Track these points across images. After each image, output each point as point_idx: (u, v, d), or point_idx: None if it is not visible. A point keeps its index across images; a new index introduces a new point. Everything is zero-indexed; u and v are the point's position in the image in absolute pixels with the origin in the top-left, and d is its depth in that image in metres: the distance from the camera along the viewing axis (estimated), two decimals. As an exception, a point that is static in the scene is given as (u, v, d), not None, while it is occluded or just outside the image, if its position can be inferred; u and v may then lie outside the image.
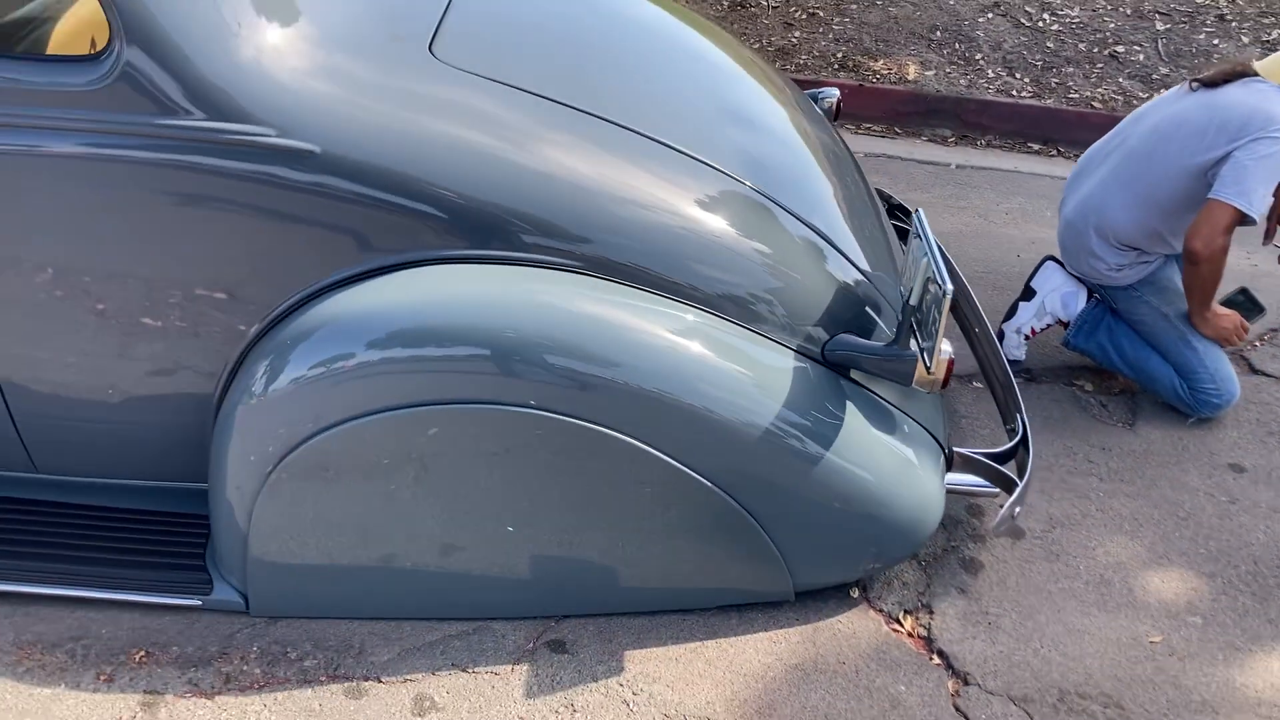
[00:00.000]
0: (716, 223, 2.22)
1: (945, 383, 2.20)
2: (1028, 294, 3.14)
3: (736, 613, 2.31)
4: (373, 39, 2.15)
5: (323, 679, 2.12)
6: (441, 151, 2.04)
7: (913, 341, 2.17)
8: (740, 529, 2.17)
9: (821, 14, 5.31)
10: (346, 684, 2.11)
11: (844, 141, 3.04)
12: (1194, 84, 2.85)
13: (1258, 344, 3.31)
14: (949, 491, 2.43)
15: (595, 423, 2.04)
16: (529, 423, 2.03)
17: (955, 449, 2.49)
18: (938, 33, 5.19)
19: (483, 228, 2.05)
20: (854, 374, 2.30)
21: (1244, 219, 2.66)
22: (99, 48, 1.91)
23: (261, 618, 2.24)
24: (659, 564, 2.22)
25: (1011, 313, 3.15)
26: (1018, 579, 2.44)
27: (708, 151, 2.29)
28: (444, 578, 2.20)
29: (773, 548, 2.21)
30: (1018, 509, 2.36)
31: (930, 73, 4.90)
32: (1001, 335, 3.15)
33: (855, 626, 2.30)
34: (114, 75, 1.91)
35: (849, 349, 2.24)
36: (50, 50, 2.19)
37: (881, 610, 2.35)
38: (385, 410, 2.01)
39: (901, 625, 2.32)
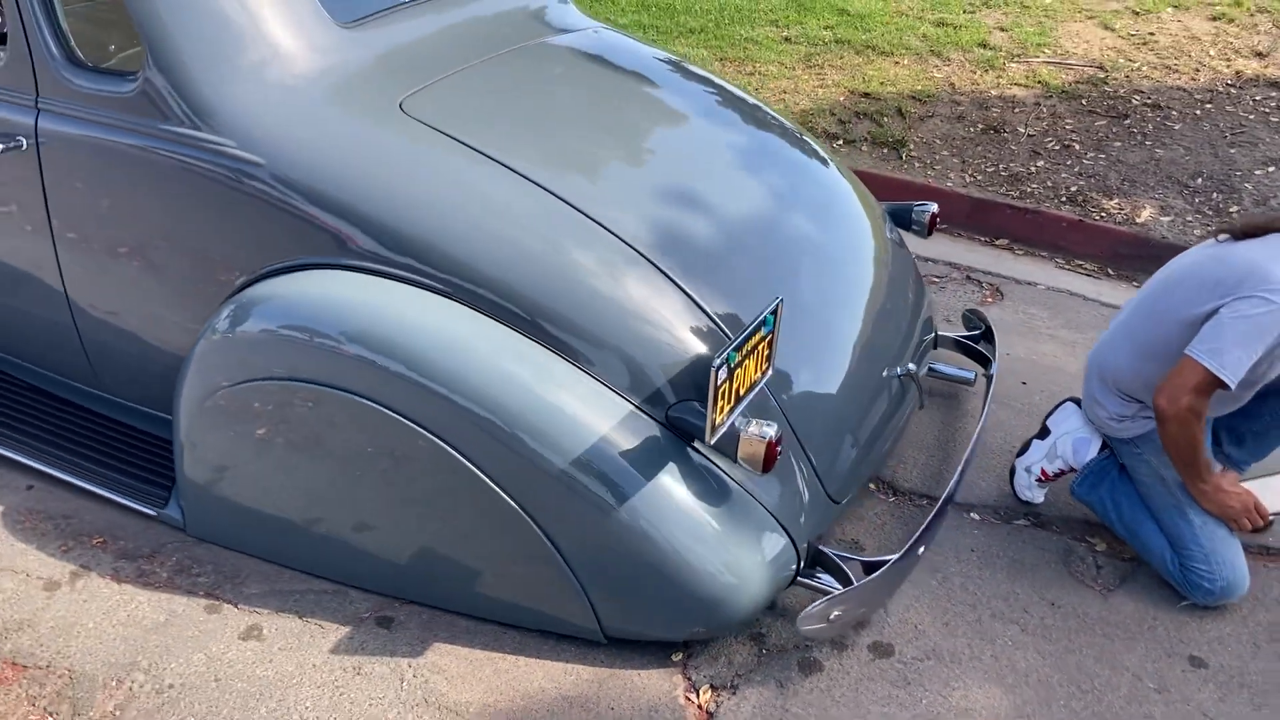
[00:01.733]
0: (590, 278, 2.43)
1: (766, 466, 2.27)
2: (1043, 433, 2.97)
3: (554, 640, 2.47)
4: (350, 86, 2.61)
5: (199, 594, 2.56)
6: (359, 181, 2.45)
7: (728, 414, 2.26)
8: (546, 560, 2.35)
9: (1076, 147, 5.13)
10: (209, 601, 2.54)
11: (887, 240, 3.09)
12: (1221, 234, 2.62)
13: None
14: (804, 586, 2.44)
15: (430, 431, 2.32)
16: (381, 420, 2.35)
17: (821, 547, 2.49)
18: (1199, 180, 4.85)
19: (383, 246, 2.42)
20: (699, 444, 2.40)
21: (1219, 382, 2.42)
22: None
23: (192, 538, 2.72)
24: (480, 574, 2.44)
25: (1024, 449, 3.00)
26: (846, 692, 2.39)
27: (614, 217, 2.50)
28: (319, 540, 2.57)
29: (576, 584, 2.36)
30: (835, 611, 2.33)
31: (1166, 219, 4.60)
32: (1013, 471, 3.01)
33: (651, 684, 2.38)
34: (140, 89, 2.52)
35: (681, 414, 2.35)
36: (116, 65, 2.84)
37: (688, 677, 2.41)
38: (285, 379, 2.43)
39: (696, 697, 2.36)
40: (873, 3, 6.47)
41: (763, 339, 2.31)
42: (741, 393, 2.29)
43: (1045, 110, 5.44)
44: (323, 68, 2.59)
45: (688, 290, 2.47)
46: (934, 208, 3.42)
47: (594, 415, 2.33)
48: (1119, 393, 2.72)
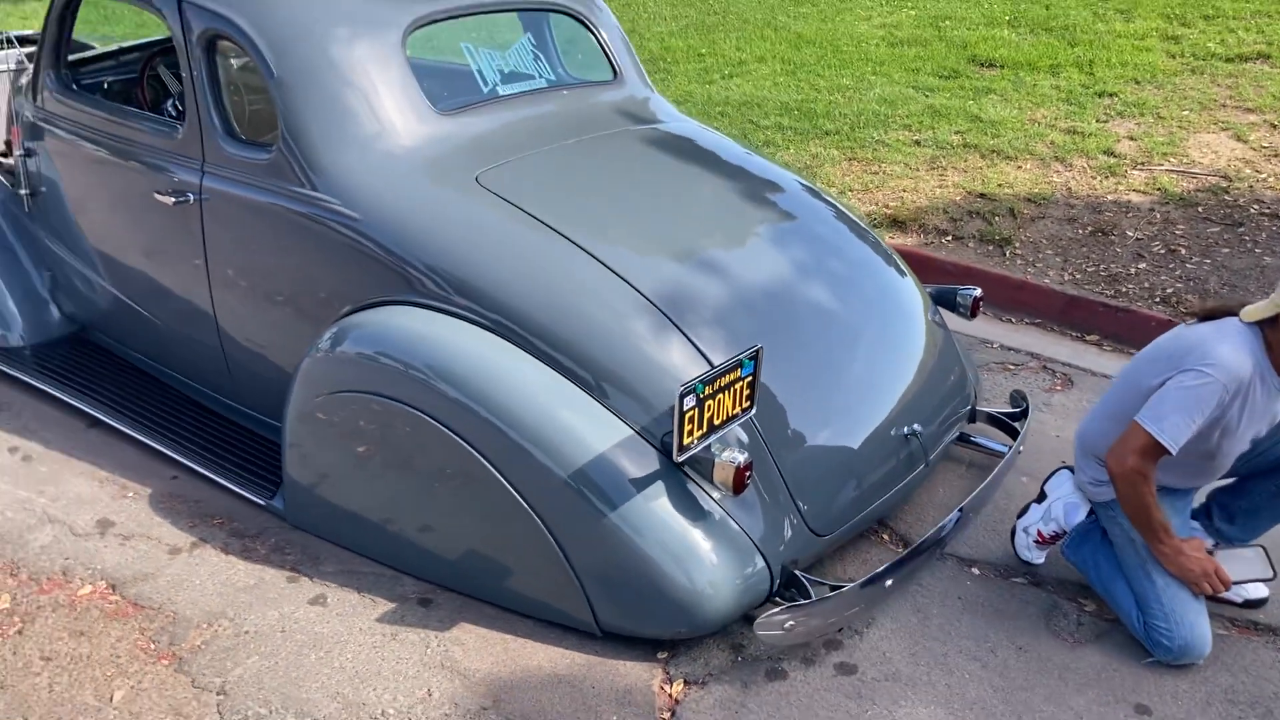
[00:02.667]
0: (610, 324, 2.89)
1: (736, 489, 2.67)
2: (1040, 497, 3.21)
3: (559, 630, 2.89)
4: (438, 161, 3.19)
5: (285, 567, 3.12)
6: (432, 236, 3.02)
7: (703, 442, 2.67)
8: (554, 560, 2.78)
9: (1182, 251, 5.27)
10: (291, 574, 3.09)
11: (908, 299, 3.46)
12: (1189, 318, 2.86)
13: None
14: (777, 604, 2.78)
15: (468, 442, 2.82)
16: (432, 431, 2.87)
17: (795, 572, 2.84)
18: (1302, 287, 4.90)
19: (448, 289, 2.96)
20: (689, 469, 2.80)
21: (1161, 446, 2.65)
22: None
23: (290, 525, 3.30)
24: (503, 569, 2.90)
25: (1024, 512, 3.24)
26: (801, 699, 2.71)
27: (640, 277, 2.95)
28: (383, 532, 3.09)
29: (577, 582, 2.79)
30: (789, 622, 2.67)
31: (1257, 322, 4.69)
32: (1014, 532, 3.25)
33: (633, 673, 2.77)
34: (275, 156, 3.18)
35: (669, 440, 2.77)
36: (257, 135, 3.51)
37: (667, 672, 2.78)
38: (365, 392, 2.98)
39: (669, 688, 2.73)
40: (1007, 111, 6.75)
41: (740, 380, 2.70)
42: (716, 423, 2.69)
43: (1159, 215, 5.59)
44: (418, 145, 3.19)
45: (694, 341, 2.90)
46: (977, 292, 3.72)
47: (601, 438, 2.77)
48: (1095, 459, 2.95)
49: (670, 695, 2.70)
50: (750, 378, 2.74)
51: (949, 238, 5.52)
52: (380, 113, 3.19)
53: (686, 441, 2.63)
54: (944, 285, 3.85)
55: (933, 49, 7.79)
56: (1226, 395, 2.63)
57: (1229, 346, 2.64)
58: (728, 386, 2.68)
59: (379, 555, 3.12)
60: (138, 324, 3.88)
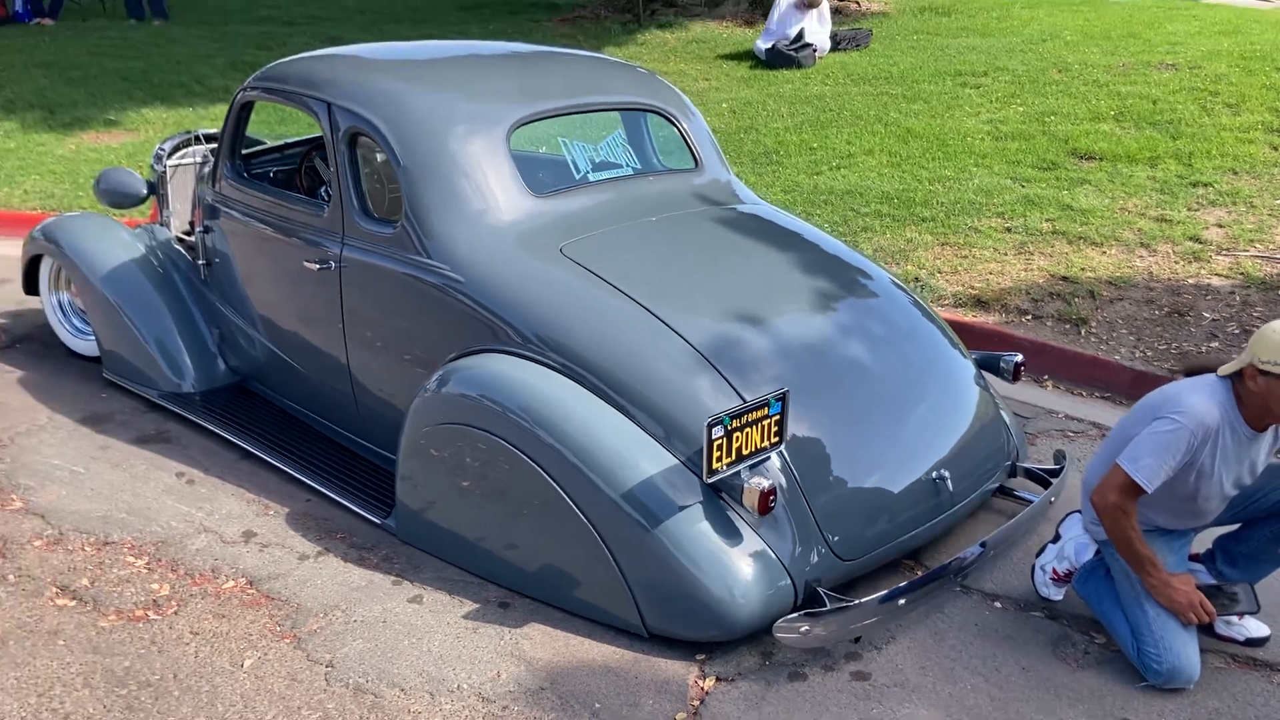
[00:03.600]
0: (667, 373, 3.41)
1: (760, 511, 3.13)
2: (1056, 537, 3.55)
3: (614, 631, 3.36)
4: (530, 234, 3.79)
5: (392, 573, 3.69)
6: (521, 296, 3.60)
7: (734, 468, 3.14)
8: (609, 571, 3.27)
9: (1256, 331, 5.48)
10: (396, 578, 3.66)
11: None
12: (1176, 374, 3.20)
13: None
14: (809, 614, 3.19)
15: (544, 470, 3.36)
16: (516, 460, 3.42)
17: (818, 588, 3.26)
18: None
19: (533, 341, 3.54)
20: (725, 495, 3.27)
21: (1137, 485, 3.00)
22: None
23: (400, 540, 3.88)
24: (570, 579, 3.40)
25: (1041, 551, 3.58)
26: (816, 697, 3.11)
27: (694, 333, 3.46)
28: (473, 547, 3.63)
29: (628, 589, 3.27)
30: (804, 627, 3.09)
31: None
32: (1033, 571, 3.59)
33: (673, 668, 3.21)
34: (399, 230, 3.84)
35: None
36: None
37: (703, 669, 3.21)
38: (464, 425, 3.55)
39: (702, 682, 3.17)
40: (1099, 200, 7.05)
41: (768, 417, 3.17)
42: (745, 453, 3.16)
43: (1238, 298, 5.81)
44: (514, 221, 3.80)
45: (734, 386, 3.38)
46: (1018, 358, 4.11)
47: (653, 469, 3.27)
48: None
49: (702, 687, 3.13)
50: (778, 416, 3.20)
51: (1028, 317, 5.85)
52: (485, 194, 3.82)
53: (715, 466, 3.10)
54: (989, 351, 4.24)
55: (1035, 143, 8.13)
56: (1195, 440, 2.96)
57: (1199, 397, 2.99)
58: (756, 422, 3.15)
59: (470, 566, 3.66)
60: (286, 374, 4.58)
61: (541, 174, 4.07)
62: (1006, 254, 6.48)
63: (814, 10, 10.91)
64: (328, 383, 4.33)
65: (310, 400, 4.53)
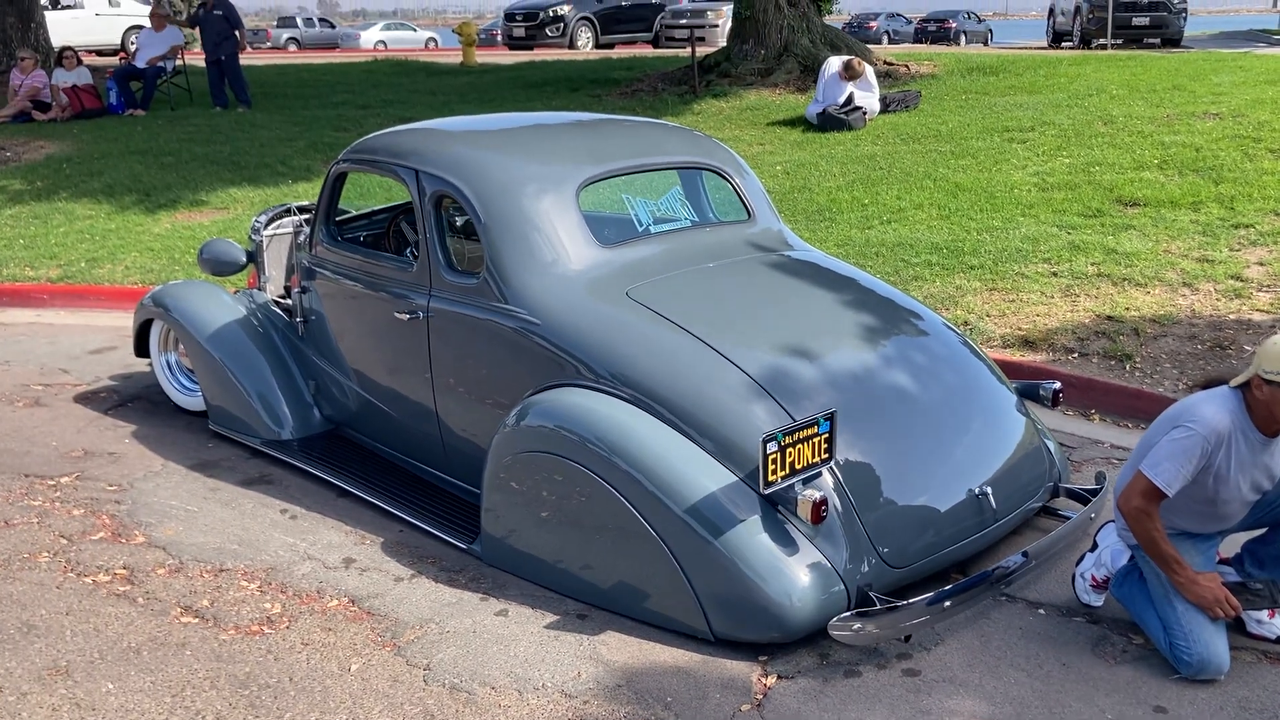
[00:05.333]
0: (726, 400, 3.76)
1: (814, 520, 3.46)
2: (1093, 546, 3.81)
3: (683, 636, 3.67)
4: (598, 281, 4.18)
5: (479, 591, 4.05)
6: (593, 336, 3.99)
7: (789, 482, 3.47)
8: (677, 580, 3.60)
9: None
10: (482, 595, 4.02)
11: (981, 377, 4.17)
12: (1195, 388, 3.48)
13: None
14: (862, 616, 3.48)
15: (618, 490, 3.71)
16: (591, 482, 3.77)
17: (869, 592, 3.55)
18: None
19: (604, 375, 3.91)
20: (782, 508, 3.60)
21: (1158, 489, 3.27)
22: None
23: (486, 563, 4.24)
24: (642, 591, 3.73)
25: (1080, 559, 3.84)
26: (869, 691, 3.39)
27: (751, 364, 3.82)
28: (557, 570, 3.98)
29: (695, 597, 3.59)
30: (857, 624, 3.39)
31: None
32: (1073, 579, 3.85)
33: (738, 668, 3.52)
34: (481, 281, 4.27)
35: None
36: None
37: (765, 668, 3.52)
38: (543, 452, 3.91)
39: (765, 679, 3.47)
40: (1143, 244, 7.31)
41: (818, 435, 3.50)
42: (798, 467, 3.48)
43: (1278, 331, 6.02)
44: (584, 270, 4.21)
45: (787, 409, 3.72)
46: (1057, 385, 4.40)
47: (716, 487, 3.61)
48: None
49: (764, 684, 3.43)
50: (827, 434, 3.53)
51: (1074, 355, 6.11)
52: (557, 246, 4.23)
53: (770, 479, 3.43)
54: (1028, 381, 4.53)
55: (1080, 192, 8.42)
56: (1209, 445, 3.24)
57: (1211, 407, 3.27)
58: (807, 439, 3.48)
59: (551, 584, 4.00)
60: (377, 418, 4.99)
61: (608, 228, 4.48)
62: (1053, 297, 6.76)
63: (856, 79, 11.33)
64: (415, 424, 4.73)
65: (399, 442, 4.94)
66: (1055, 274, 7.06)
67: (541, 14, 25.51)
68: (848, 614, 3.41)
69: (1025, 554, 3.80)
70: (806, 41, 14.05)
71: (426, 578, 4.16)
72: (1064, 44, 24.12)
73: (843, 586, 3.52)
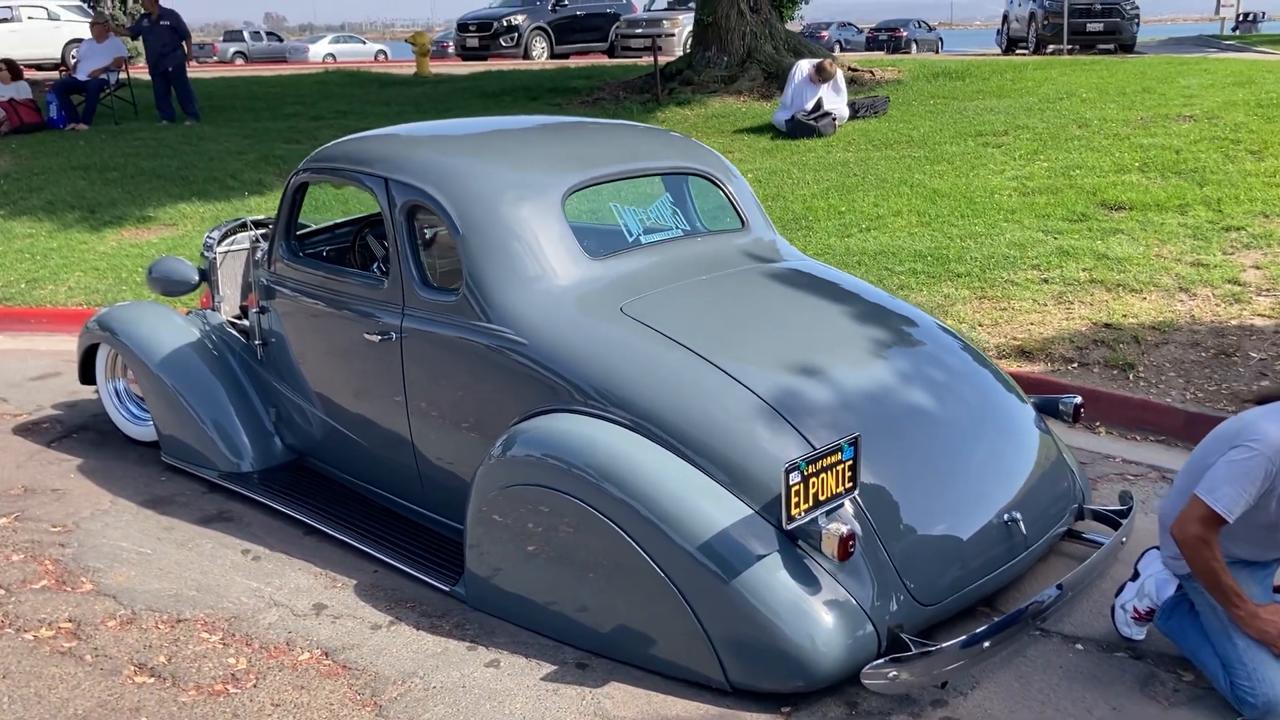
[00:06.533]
0: (733, 423, 3.43)
1: (841, 557, 3.13)
2: (1134, 575, 3.52)
3: (696, 686, 3.34)
4: (589, 295, 3.84)
5: (465, 639, 3.68)
6: (584, 355, 3.65)
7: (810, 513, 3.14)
8: (689, 625, 3.25)
9: (1305, 368, 5.47)
10: (470, 644, 3.65)
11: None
12: (1246, 403, 3.20)
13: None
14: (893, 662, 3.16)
15: (615, 523, 3.37)
16: (583, 514, 3.43)
17: (901, 634, 3.23)
18: None
19: (596, 398, 3.57)
20: (803, 543, 3.27)
21: (1217, 515, 2.99)
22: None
23: (470, 607, 3.87)
24: (648, 638, 3.38)
25: (1120, 590, 3.55)
26: (907, 742, 3.08)
27: (757, 381, 3.50)
28: (550, 613, 3.62)
29: (709, 643, 3.25)
30: (892, 672, 3.07)
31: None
32: (1113, 610, 3.56)
33: (756, 718, 3.19)
34: (460, 298, 3.91)
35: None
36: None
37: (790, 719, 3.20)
38: (533, 484, 3.56)
39: (790, 733, 3.15)
40: (1134, 248, 7.09)
41: (841, 462, 3.18)
42: (821, 498, 3.16)
43: (1284, 337, 5.81)
44: (573, 284, 3.86)
45: (802, 433, 3.40)
46: (1077, 400, 4.11)
47: (728, 520, 3.27)
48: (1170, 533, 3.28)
49: (790, 740, 3.10)
50: (850, 461, 3.21)
51: (1074, 365, 5.85)
52: (543, 259, 3.89)
53: (794, 513, 3.11)
54: (1046, 395, 4.24)
55: (1063, 196, 8.21)
56: (1272, 467, 2.96)
57: (1273, 424, 2.99)
58: (830, 467, 3.16)
59: (545, 629, 3.65)
60: (345, 448, 4.61)
61: (596, 239, 4.14)
62: (1046, 304, 6.51)
63: (828, 82, 11.09)
64: (389, 454, 4.36)
65: (370, 473, 4.56)
66: (1046, 280, 6.82)
67: (495, 24, 25.14)
68: (881, 661, 3.09)
69: (1060, 586, 3.50)
70: (770, 48, 13.81)
71: (406, 624, 3.79)
72: (1018, 50, 24.13)
73: (872, 627, 3.21)
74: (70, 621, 3.85)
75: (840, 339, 3.89)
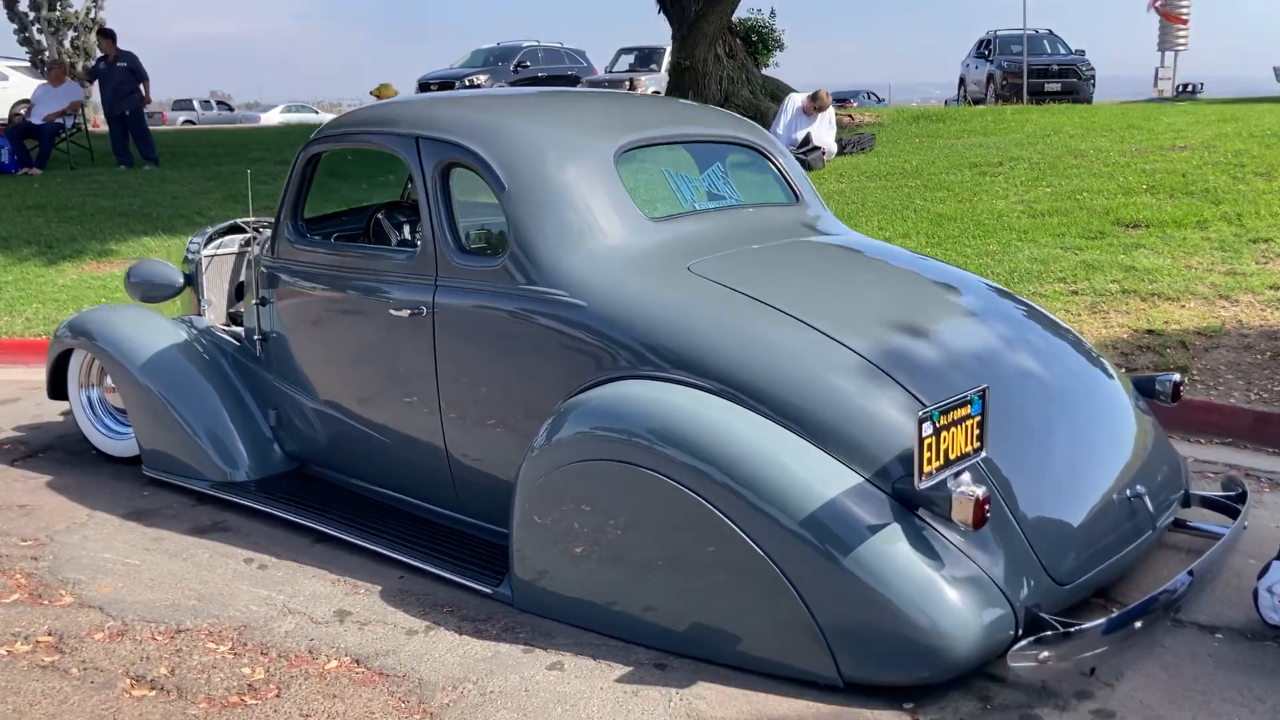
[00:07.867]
0: (831, 381, 3.02)
1: (976, 523, 2.70)
2: (1279, 555, 3.13)
3: (799, 683, 2.87)
4: (649, 256, 3.43)
5: (518, 643, 3.19)
6: (649, 318, 3.22)
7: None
8: (793, 610, 2.80)
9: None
10: (525, 646, 3.16)
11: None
12: None
13: None
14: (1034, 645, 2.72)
15: (700, 495, 2.93)
16: (658, 486, 2.98)
17: (1039, 614, 2.80)
18: None
19: (665, 360, 3.14)
20: (923, 512, 2.84)
21: None
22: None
23: (517, 609, 3.38)
24: (739, 631, 2.92)
25: (1264, 571, 3.15)
26: (1062, 737, 2.63)
27: (848, 336, 3.10)
28: (613, 613, 3.15)
29: (818, 632, 2.80)
30: (1043, 653, 2.63)
31: None
32: (1255, 594, 3.16)
33: (877, 716, 2.73)
34: (505, 262, 3.47)
35: (904, 485, 2.82)
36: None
37: (917, 718, 2.73)
38: (602, 459, 3.10)
39: (920, 732, 2.68)
40: (1161, 260, 6.83)
41: (969, 418, 2.77)
42: (951, 457, 2.74)
43: (1339, 339, 5.52)
44: (631, 243, 3.46)
45: (912, 391, 2.99)
46: (1176, 377, 3.74)
47: (833, 488, 2.84)
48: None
49: (922, 739, 2.64)
50: (979, 417, 2.81)
51: (1122, 369, 5.50)
52: (598, 217, 3.48)
53: (927, 470, 2.69)
54: (1141, 375, 3.88)
55: (1074, 216, 7.97)
56: None
57: None
58: (959, 421, 2.76)
59: (610, 630, 3.17)
60: (361, 449, 4.11)
61: (650, 203, 3.74)
62: (1080, 314, 6.20)
63: (822, 114, 10.90)
64: (412, 450, 3.88)
65: (390, 475, 4.07)
66: (1076, 292, 6.52)
67: (457, 84, 24.93)
68: (1027, 642, 2.64)
69: (1191, 573, 3.10)
70: (747, 92, 13.65)
71: (446, 629, 3.30)
72: (978, 111, 24.34)
73: (1008, 607, 2.77)
74: (50, 635, 3.32)
75: (934, 303, 3.53)
